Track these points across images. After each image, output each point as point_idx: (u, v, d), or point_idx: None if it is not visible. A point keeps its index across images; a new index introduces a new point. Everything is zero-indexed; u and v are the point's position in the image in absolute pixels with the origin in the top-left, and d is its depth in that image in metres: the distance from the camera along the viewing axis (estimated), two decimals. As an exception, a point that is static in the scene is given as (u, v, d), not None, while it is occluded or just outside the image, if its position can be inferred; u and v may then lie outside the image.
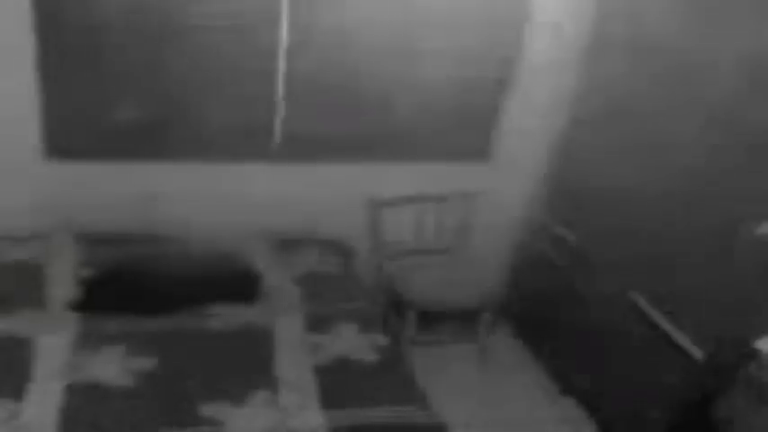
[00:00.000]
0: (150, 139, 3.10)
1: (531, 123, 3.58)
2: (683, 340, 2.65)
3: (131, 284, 2.72)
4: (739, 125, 2.43)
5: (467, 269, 3.62)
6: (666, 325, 2.74)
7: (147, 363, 2.35)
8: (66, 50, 2.83)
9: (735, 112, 2.45)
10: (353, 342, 2.57)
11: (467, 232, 3.76)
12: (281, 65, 3.06)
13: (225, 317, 2.63)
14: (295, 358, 2.45)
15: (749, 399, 2.48)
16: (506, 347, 3.81)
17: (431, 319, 3.75)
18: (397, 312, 3.67)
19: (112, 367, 2.31)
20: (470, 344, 3.75)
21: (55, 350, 2.35)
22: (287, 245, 3.21)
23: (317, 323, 2.66)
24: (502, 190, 3.74)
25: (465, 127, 3.48)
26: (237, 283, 2.82)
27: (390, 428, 2.21)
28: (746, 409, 2.48)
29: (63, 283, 2.70)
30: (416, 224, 3.68)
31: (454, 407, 3.18)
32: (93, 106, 2.97)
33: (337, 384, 2.35)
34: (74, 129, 2.99)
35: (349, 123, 3.30)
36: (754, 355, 2.46)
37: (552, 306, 3.52)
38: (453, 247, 3.77)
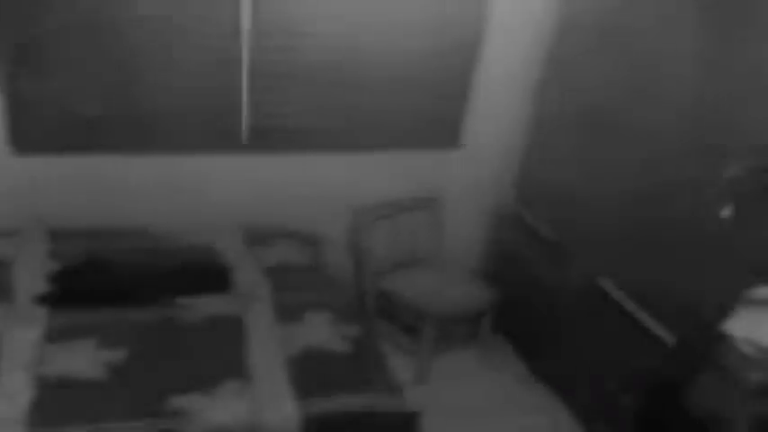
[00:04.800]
0: (118, 132, 3.07)
1: (500, 111, 3.61)
2: (653, 326, 2.69)
3: (100, 278, 2.70)
4: (704, 112, 2.46)
5: (449, 273, 3.61)
6: (637, 311, 2.77)
7: (117, 355, 2.33)
8: (29, 45, 2.79)
9: (699, 99, 2.48)
10: (324, 332, 2.57)
11: (441, 236, 3.77)
12: (245, 54, 3.05)
13: (195, 309, 2.61)
14: (266, 349, 2.44)
15: (718, 382, 2.51)
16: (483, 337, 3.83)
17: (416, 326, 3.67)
18: (389, 319, 3.70)
19: (83, 360, 2.29)
20: (473, 347, 3.74)
21: (24, 344, 2.32)
22: (257, 236, 3.20)
23: (288, 314, 2.65)
24: (473, 179, 3.77)
25: (434, 117, 3.50)
26: (207, 275, 2.81)
27: (362, 416, 2.22)
28: (716, 392, 2.51)
29: (31, 278, 2.67)
30: (391, 237, 3.61)
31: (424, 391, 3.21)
32: (58, 100, 2.93)
33: (309, 374, 2.35)
34: (39, 122, 2.95)
35: (318, 113, 3.29)
36: (722, 338, 2.49)
37: (524, 294, 3.54)
38: (431, 254, 3.75)
